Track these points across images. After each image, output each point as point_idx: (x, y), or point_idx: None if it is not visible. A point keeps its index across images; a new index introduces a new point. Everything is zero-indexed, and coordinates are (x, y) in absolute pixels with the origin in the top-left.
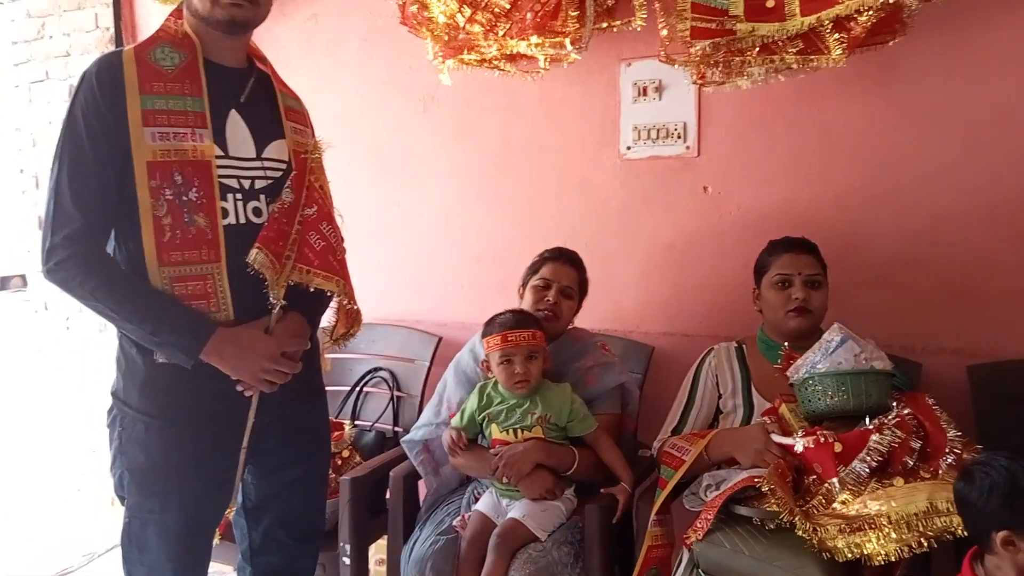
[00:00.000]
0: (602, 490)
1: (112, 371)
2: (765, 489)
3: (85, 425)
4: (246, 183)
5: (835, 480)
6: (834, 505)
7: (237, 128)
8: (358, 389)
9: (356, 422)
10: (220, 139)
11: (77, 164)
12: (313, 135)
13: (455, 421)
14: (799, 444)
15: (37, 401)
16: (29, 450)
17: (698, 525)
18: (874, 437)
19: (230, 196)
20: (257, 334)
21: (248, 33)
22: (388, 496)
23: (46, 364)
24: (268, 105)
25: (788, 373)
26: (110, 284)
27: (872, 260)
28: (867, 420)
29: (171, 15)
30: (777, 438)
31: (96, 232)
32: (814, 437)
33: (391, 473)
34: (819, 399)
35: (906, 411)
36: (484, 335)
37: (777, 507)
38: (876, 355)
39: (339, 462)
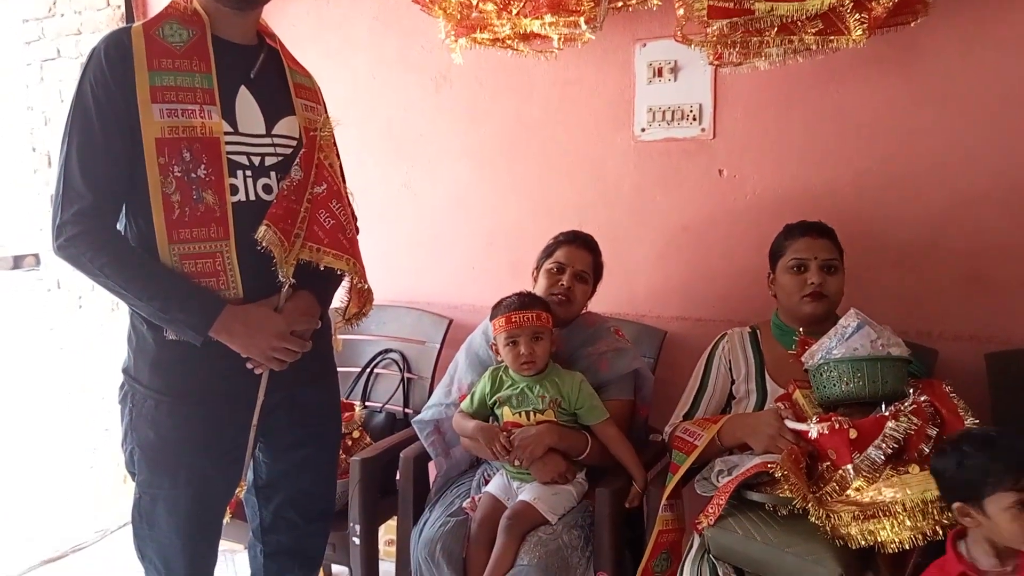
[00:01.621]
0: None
1: (124, 349)
2: (778, 475)
3: (97, 403)
4: (256, 160)
5: (850, 466)
6: (848, 492)
7: (247, 104)
8: (368, 370)
9: (366, 403)
10: (229, 115)
11: (86, 141)
12: (326, 112)
13: (464, 404)
14: (813, 430)
15: (50, 379)
16: (42, 428)
17: (710, 510)
18: (890, 424)
19: (239, 173)
20: (266, 312)
21: (258, 10)
22: (398, 477)
23: (59, 342)
24: (278, 81)
25: (803, 359)
26: (119, 261)
27: (889, 245)
28: (883, 407)
29: None
30: (791, 424)
31: (105, 209)
32: (829, 423)
33: (401, 454)
34: (834, 385)
35: (922, 398)
36: (491, 317)
37: (790, 493)
38: (893, 341)
39: (349, 443)
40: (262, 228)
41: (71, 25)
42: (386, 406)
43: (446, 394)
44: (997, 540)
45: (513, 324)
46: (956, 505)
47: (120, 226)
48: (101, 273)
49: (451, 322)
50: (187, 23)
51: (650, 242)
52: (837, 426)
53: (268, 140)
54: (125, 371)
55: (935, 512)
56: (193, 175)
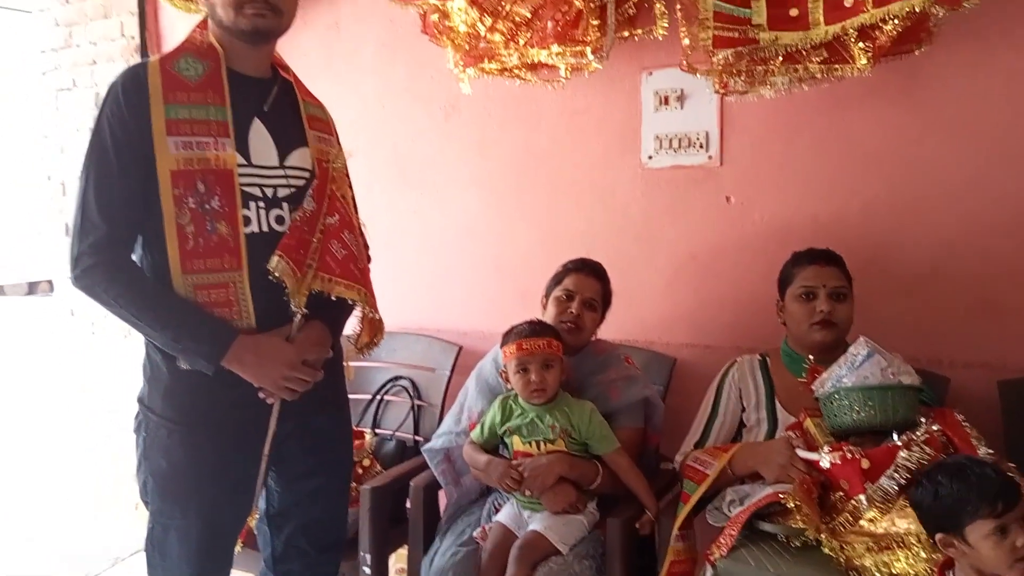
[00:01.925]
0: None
1: (137, 377)
2: (790, 505)
3: (110, 429)
4: (269, 191)
5: (862, 497)
6: (861, 523)
7: (260, 137)
8: (379, 397)
9: (377, 430)
10: (243, 148)
11: (103, 174)
12: (338, 143)
13: (474, 434)
14: (825, 460)
15: (63, 405)
16: (54, 454)
17: (722, 541)
18: (902, 454)
19: (252, 204)
20: (278, 342)
21: (271, 43)
22: (408, 506)
23: (72, 369)
24: (291, 113)
25: (813, 387)
26: (133, 291)
27: (898, 271)
28: (895, 436)
29: (197, 26)
30: (802, 453)
31: (120, 240)
32: (840, 453)
33: (411, 483)
34: (845, 414)
35: (935, 427)
36: (502, 344)
37: (803, 524)
38: (903, 369)
39: (360, 471)
40: (274, 259)
41: (86, 56)
42: (396, 433)
43: (456, 422)
44: (983, 568)
45: (524, 351)
46: (938, 536)
47: (135, 256)
48: (116, 303)
49: (461, 349)
50: (202, 56)
51: (659, 269)
52: (849, 456)
53: (281, 172)
54: (140, 400)
55: None
56: (207, 206)
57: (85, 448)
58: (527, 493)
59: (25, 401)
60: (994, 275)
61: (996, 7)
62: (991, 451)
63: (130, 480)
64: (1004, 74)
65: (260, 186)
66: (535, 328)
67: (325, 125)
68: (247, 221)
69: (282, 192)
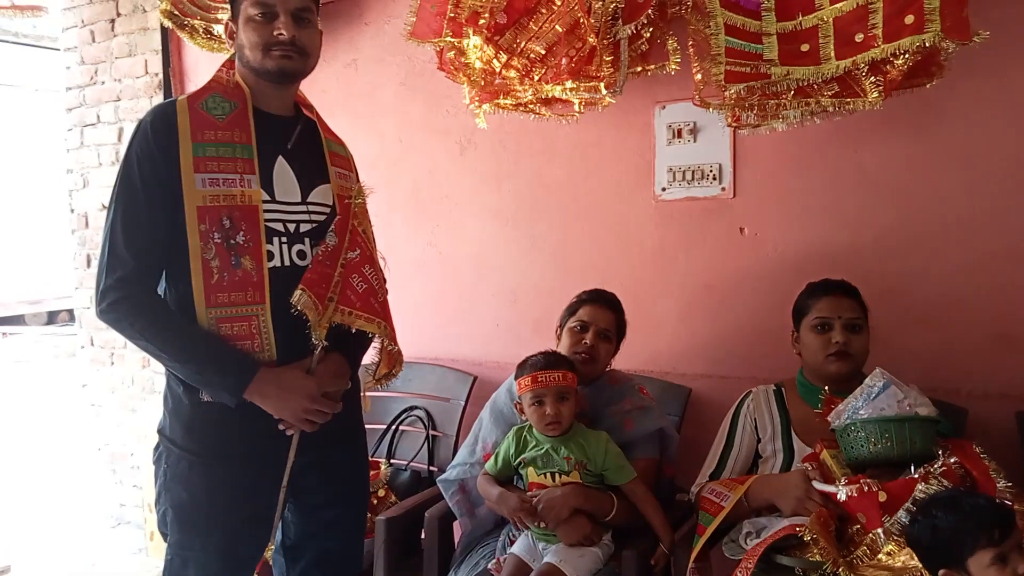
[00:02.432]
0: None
1: (157, 407)
2: (807, 538)
3: (128, 460)
4: (291, 227)
5: (880, 530)
6: (879, 556)
7: (284, 174)
8: (394, 428)
9: (392, 461)
10: (267, 184)
11: (130, 209)
12: (357, 179)
13: (489, 465)
14: (842, 492)
15: (82, 435)
16: (72, 484)
17: (738, 574)
18: (920, 486)
19: (275, 239)
20: (299, 374)
21: (297, 83)
22: (423, 537)
23: (91, 398)
24: (314, 151)
25: (829, 418)
26: (158, 325)
27: (913, 303)
28: (912, 468)
29: (223, 65)
30: (819, 485)
31: (147, 275)
32: (857, 485)
33: (426, 514)
34: (862, 446)
35: (952, 459)
36: (516, 376)
37: (820, 557)
38: (920, 401)
39: (375, 501)
40: (297, 292)
41: (111, 92)
42: (411, 464)
43: (471, 453)
44: None
45: (539, 384)
46: (941, 572)
47: (160, 290)
48: (141, 336)
49: (475, 379)
50: (229, 96)
51: (673, 300)
52: (866, 488)
53: (303, 208)
54: (160, 431)
55: None
56: (232, 241)
57: (100, 478)
58: (542, 525)
59: (42, 429)
60: (1011, 305)
61: (1006, 41)
62: (1010, 484)
63: (146, 510)
64: (1015, 106)
65: (283, 221)
66: (550, 360)
67: (345, 162)
68: (270, 256)
69: (304, 227)
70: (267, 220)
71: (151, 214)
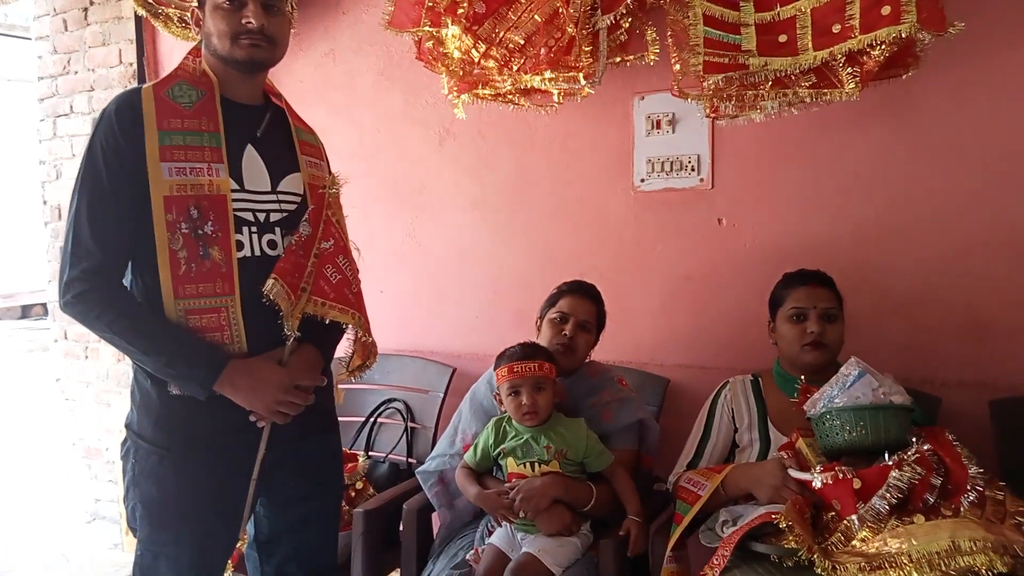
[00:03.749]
0: (621, 533)
1: (127, 404)
2: (783, 526)
3: (102, 454)
4: (261, 216)
5: (854, 517)
6: (853, 543)
7: (253, 162)
8: (372, 420)
9: (370, 453)
10: (236, 173)
11: (96, 199)
12: (329, 168)
13: (468, 456)
14: (817, 480)
15: (55, 429)
16: (45, 479)
17: (715, 562)
18: (894, 473)
19: (245, 229)
20: (271, 366)
21: (265, 72)
22: (401, 529)
23: (65, 392)
24: (283, 139)
25: (805, 407)
26: (126, 317)
27: (889, 293)
28: (886, 456)
29: (189, 53)
30: (795, 473)
31: (113, 266)
32: (832, 473)
33: (404, 506)
34: (837, 434)
35: (926, 447)
36: (495, 367)
37: (795, 544)
38: (895, 389)
39: (352, 494)
40: (270, 281)
41: (84, 82)
42: (390, 456)
43: (450, 444)
44: None
45: (515, 374)
46: None
47: (126, 282)
48: (108, 329)
49: (455, 371)
50: (196, 84)
51: (652, 291)
52: (841, 476)
53: (273, 197)
54: (128, 426)
55: (942, 563)
56: (200, 231)
57: (73, 473)
58: (521, 515)
59: (16, 424)
60: (985, 295)
61: (981, 32)
62: (982, 470)
63: (121, 505)
64: (990, 98)
65: (253, 211)
66: (527, 351)
67: (316, 150)
68: (240, 246)
69: (274, 217)
70: (236, 209)
71: (117, 204)
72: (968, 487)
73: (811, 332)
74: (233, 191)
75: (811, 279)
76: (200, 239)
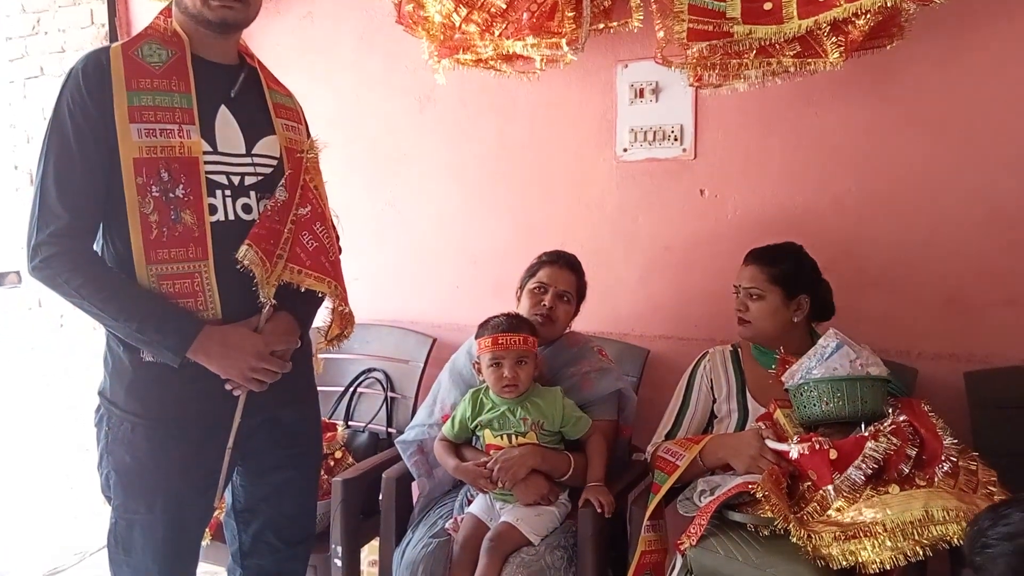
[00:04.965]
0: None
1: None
2: (759, 495)
3: (77, 423)
4: (235, 179)
5: (830, 487)
6: (829, 512)
7: (227, 124)
8: (352, 390)
9: (349, 423)
10: (209, 135)
11: (63, 161)
12: (308, 132)
13: (446, 429)
14: (794, 450)
15: (29, 398)
16: (21, 448)
17: (692, 530)
18: (869, 444)
19: (219, 192)
20: (245, 332)
21: (239, 32)
22: (381, 498)
23: (39, 361)
24: (259, 101)
25: (783, 378)
26: (96, 282)
27: (868, 265)
28: (863, 426)
29: (161, 13)
30: (772, 444)
31: (82, 229)
32: (809, 443)
33: (384, 475)
34: (814, 405)
35: (902, 418)
36: (477, 336)
37: (771, 513)
38: (872, 361)
39: (332, 463)
40: (243, 248)
41: (55, 43)
42: (369, 426)
43: (429, 414)
44: None
45: (499, 346)
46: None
47: (96, 247)
48: (77, 294)
49: (435, 341)
50: (167, 43)
51: (633, 261)
52: (817, 446)
53: (248, 160)
54: (101, 393)
55: (916, 533)
56: (171, 195)
57: (49, 442)
58: (499, 485)
59: None
60: (962, 269)
61: (967, 3)
62: (956, 440)
63: (95, 472)
64: (973, 70)
65: (227, 174)
66: (512, 323)
67: (293, 114)
68: (213, 210)
69: (249, 180)
70: (209, 172)
71: (85, 165)
72: (942, 458)
73: (737, 309)
74: (206, 153)
75: (747, 259)
76: (171, 203)
